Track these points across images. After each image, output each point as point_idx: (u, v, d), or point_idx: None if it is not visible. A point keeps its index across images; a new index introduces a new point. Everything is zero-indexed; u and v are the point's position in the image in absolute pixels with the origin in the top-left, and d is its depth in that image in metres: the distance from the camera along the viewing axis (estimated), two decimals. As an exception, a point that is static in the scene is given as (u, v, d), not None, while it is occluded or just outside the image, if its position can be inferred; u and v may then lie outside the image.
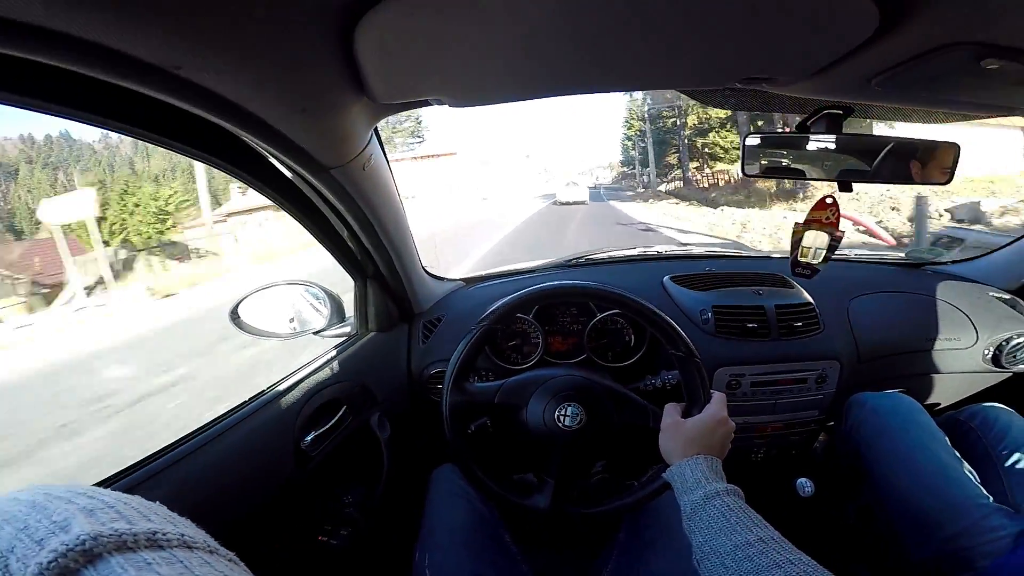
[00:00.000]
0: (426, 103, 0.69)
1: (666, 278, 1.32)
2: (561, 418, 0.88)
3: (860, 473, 1.09)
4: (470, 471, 0.91)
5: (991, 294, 1.35)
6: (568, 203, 22.65)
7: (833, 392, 1.21)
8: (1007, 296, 1.35)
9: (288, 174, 0.75)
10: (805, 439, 1.27)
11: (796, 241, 1.00)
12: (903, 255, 1.63)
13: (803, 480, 1.23)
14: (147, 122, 0.51)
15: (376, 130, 0.83)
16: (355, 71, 0.54)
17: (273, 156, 0.66)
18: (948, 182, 0.84)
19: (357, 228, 0.92)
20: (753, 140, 0.91)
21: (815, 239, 0.99)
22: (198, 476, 0.73)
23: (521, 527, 0.96)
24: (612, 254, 1.55)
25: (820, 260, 1.00)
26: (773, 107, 0.91)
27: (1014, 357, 1.28)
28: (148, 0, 0.34)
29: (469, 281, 1.44)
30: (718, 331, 1.18)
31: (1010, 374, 1.31)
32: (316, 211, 0.87)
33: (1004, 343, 1.27)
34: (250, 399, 0.89)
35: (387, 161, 0.92)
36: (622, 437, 0.95)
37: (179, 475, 0.70)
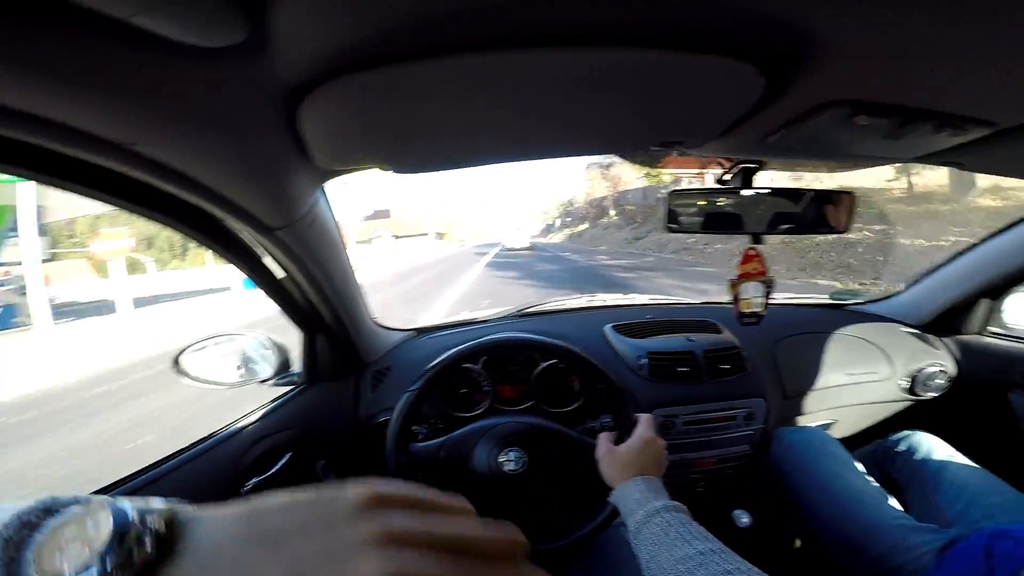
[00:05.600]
0: (371, 168, 0.73)
1: (607, 327, 1.38)
2: (505, 463, 0.91)
3: (788, 503, 1.13)
4: None
5: (902, 330, 1.47)
6: (516, 249, 26.49)
7: (761, 428, 1.26)
8: (916, 331, 1.47)
9: (239, 234, 0.76)
10: (740, 473, 1.31)
11: (735, 296, 1.06)
12: (827, 297, 1.75)
13: (739, 512, 1.27)
14: (104, 185, 0.51)
15: (323, 189, 0.85)
16: (300, 141, 0.57)
17: (220, 218, 0.67)
18: (847, 230, 0.94)
19: (304, 283, 0.93)
20: (676, 196, 0.98)
21: (751, 290, 1.05)
22: None
23: None
24: (560, 305, 1.61)
25: (761, 308, 1.06)
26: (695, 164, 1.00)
27: (926, 385, 1.38)
28: (109, 83, 0.36)
29: (420, 331, 1.45)
30: (652, 375, 1.23)
31: (926, 399, 1.42)
32: (264, 267, 0.88)
33: (918, 373, 1.38)
34: (193, 444, 0.89)
35: (334, 218, 0.94)
36: (575, 473, 0.97)
37: None
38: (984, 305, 1.40)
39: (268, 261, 0.87)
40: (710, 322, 1.40)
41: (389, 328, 1.39)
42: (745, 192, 0.93)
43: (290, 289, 0.97)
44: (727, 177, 0.95)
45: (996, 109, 0.60)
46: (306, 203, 0.76)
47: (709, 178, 1.04)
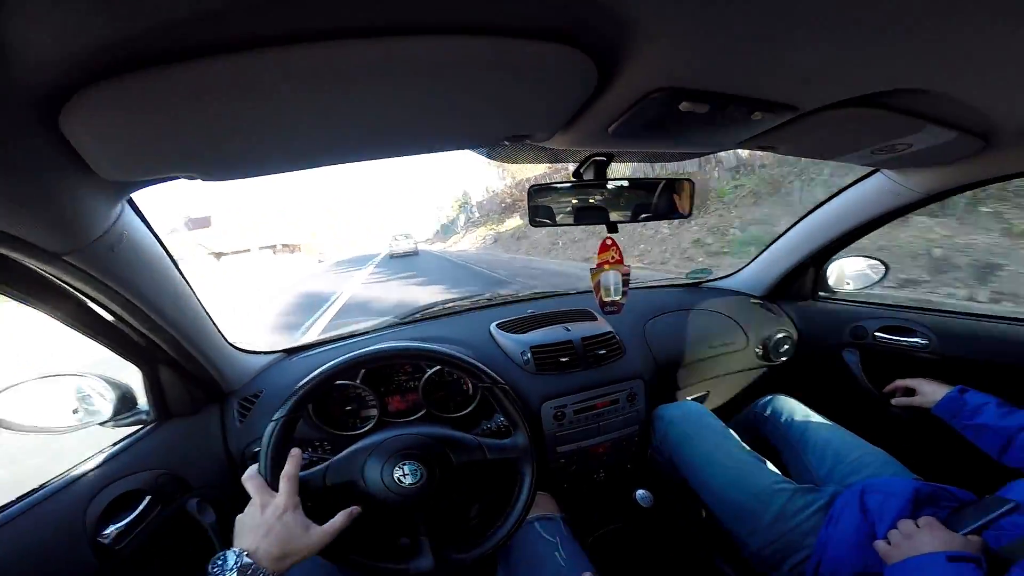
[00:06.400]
0: (176, 177, 0.63)
1: (492, 325, 1.38)
2: (402, 478, 0.86)
3: (682, 478, 1.19)
4: (335, 554, 0.83)
5: (751, 301, 1.64)
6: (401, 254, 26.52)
7: (644, 407, 1.33)
8: (761, 301, 1.64)
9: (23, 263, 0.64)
10: (636, 454, 1.37)
11: (596, 284, 1.09)
12: (687, 276, 1.89)
13: (642, 492, 1.32)
14: None
15: (132, 203, 0.75)
16: (74, 154, 0.50)
17: None
18: (691, 214, 1.00)
19: (124, 314, 0.82)
20: (536, 192, 0.99)
21: (610, 278, 1.08)
22: None
23: None
24: (445, 308, 1.58)
25: (621, 295, 1.10)
26: (549, 159, 1.01)
27: (776, 351, 1.55)
28: None
29: (290, 352, 1.34)
30: (538, 369, 1.25)
31: (778, 364, 1.58)
32: (70, 299, 0.76)
33: (768, 340, 1.54)
34: (16, 499, 0.81)
35: (154, 235, 0.83)
36: (484, 476, 0.96)
37: None
38: (811, 273, 1.59)
39: (72, 293, 0.75)
40: (586, 310, 1.45)
41: (252, 352, 1.27)
42: (598, 184, 0.95)
43: (113, 322, 0.85)
44: (582, 171, 0.97)
45: (798, 94, 0.66)
46: (102, 221, 0.66)
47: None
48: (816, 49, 0.52)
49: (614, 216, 0.97)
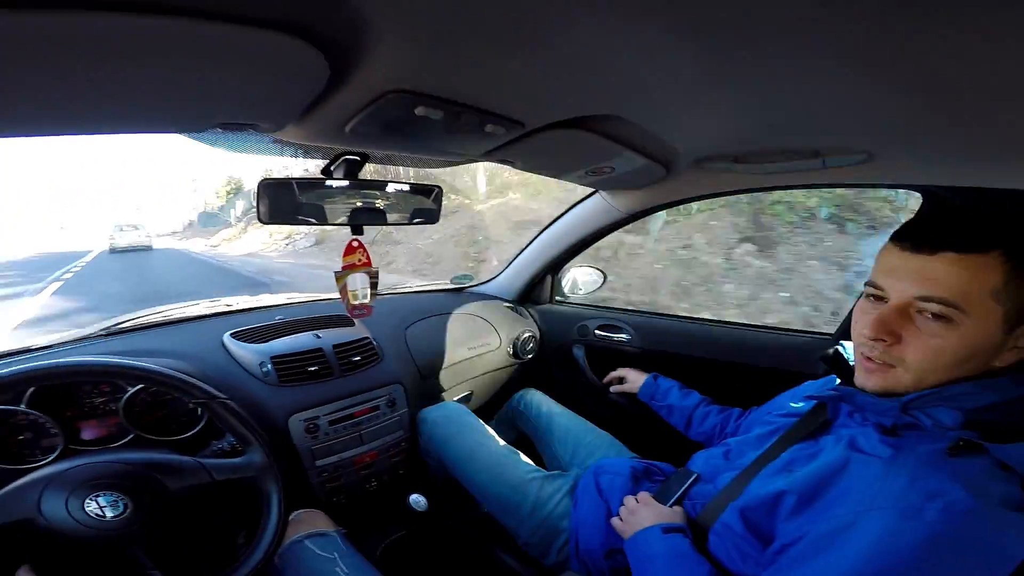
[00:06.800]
0: None
1: (226, 335, 1.20)
2: (99, 512, 0.75)
3: (452, 479, 1.20)
4: None
5: (504, 304, 1.78)
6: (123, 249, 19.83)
7: (407, 411, 1.32)
8: (511, 304, 1.80)
9: None
10: (407, 459, 1.34)
11: (342, 288, 1.03)
12: (450, 281, 1.95)
13: (415, 496, 1.29)
14: None
15: None
16: None
17: None
18: (437, 220, 1.01)
19: None
20: (269, 186, 0.88)
21: (358, 281, 1.03)
22: None
23: None
24: (169, 314, 1.31)
25: (368, 299, 1.05)
26: (290, 153, 0.91)
27: (524, 349, 1.71)
28: None
29: None
30: (281, 381, 1.13)
31: (527, 360, 1.75)
32: None
33: (517, 339, 1.69)
34: None
35: None
36: (223, 497, 0.88)
37: None
38: (549, 279, 1.81)
39: None
40: (342, 316, 1.37)
41: None
42: (339, 183, 0.90)
43: None
44: (332, 168, 0.91)
45: (524, 111, 0.71)
46: None
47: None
48: (534, 70, 0.56)
49: (355, 218, 0.92)
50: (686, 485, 0.85)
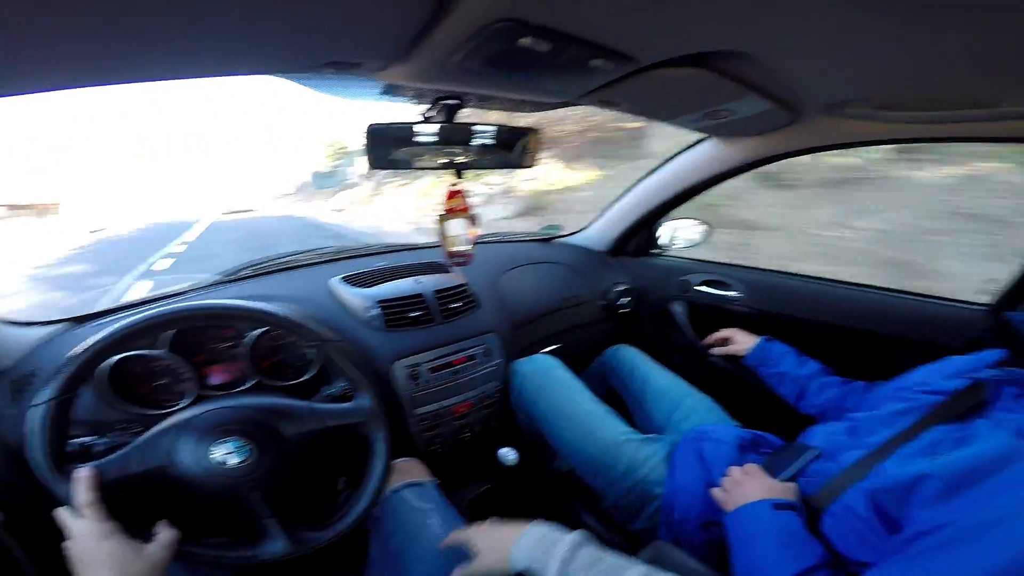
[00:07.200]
0: None
1: (333, 279, 1.25)
2: (223, 457, 0.76)
3: (541, 434, 1.20)
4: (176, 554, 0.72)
5: (597, 255, 1.73)
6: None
7: (502, 362, 1.32)
8: (603, 256, 1.74)
9: None
10: (499, 411, 1.35)
11: (441, 233, 1.02)
12: (538, 232, 1.93)
13: (505, 450, 1.31)
14: None
15: None
16: None
17: None
18: (533, 165, 0.98)
19: None
20: (377, 131, 0.89)
21: (457, 227, 1.02)
22: None
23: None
24: (280, 261, 1.39)
25: (469, 246, 1.04)
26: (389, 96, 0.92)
27: (617, 303, 1.65)
28: None
29: (79, 320, 1.08)
30: (387, 326, 1.16)
31: (620, 315, 1.69)
32: None
33: (610, 292, 1.64)
34: None
35: None
36: (332, 446, 0.90)
37: None
38: (646, 231, 1.72)
39: None
40: (437, 263, 1.38)
41: (22, 323, 1.01)
42: (442, 126, 0.89)
43: None
44: (432, 114, 0.90)
45: (637, 45, 0.65)
46: None
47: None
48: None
49: (460, 161, 0.92)
50: (805, 460, 0.78)
